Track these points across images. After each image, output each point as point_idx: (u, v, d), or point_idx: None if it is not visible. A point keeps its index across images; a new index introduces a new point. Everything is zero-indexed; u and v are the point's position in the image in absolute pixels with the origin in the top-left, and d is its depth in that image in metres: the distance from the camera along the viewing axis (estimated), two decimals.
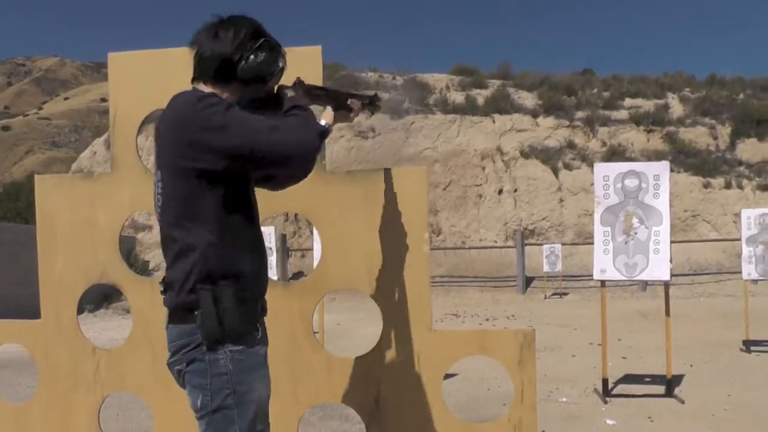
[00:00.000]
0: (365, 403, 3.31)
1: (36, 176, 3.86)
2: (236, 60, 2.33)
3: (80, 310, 3.75)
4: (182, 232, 2.28)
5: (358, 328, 12.40)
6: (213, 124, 2.21)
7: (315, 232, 8.73)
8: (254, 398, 2.29)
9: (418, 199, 3.27)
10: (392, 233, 3.25)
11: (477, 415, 6.19)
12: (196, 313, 2.25)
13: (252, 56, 2.34)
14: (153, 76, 3.50)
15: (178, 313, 2.31)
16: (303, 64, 3.23)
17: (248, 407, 2.27)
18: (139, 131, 3.67)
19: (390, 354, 3.26)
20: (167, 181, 2.31)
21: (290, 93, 2.49)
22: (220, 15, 2.40)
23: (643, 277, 7.11)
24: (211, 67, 2.35)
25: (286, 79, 2.51)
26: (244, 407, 2.26)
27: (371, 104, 2.82)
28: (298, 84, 2.53)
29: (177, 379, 2.37)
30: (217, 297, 2.24)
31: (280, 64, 2.45)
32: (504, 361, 3.21)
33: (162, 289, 2.43)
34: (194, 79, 2.41)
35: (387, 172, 3.32)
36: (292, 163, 2.30)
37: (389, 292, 3.26)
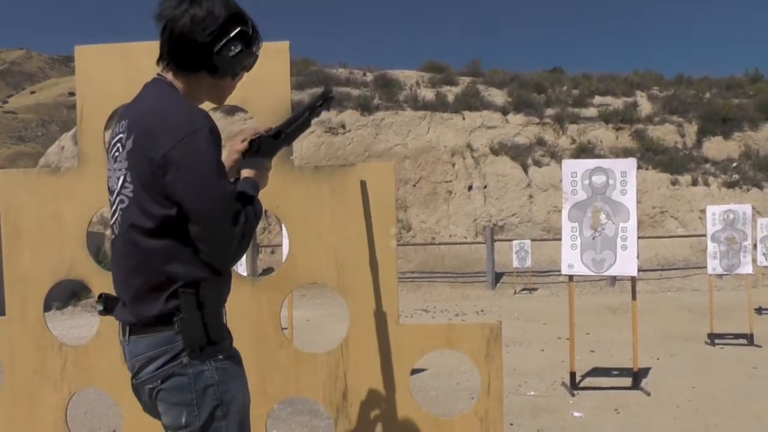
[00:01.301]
0: (333, 397, 3.33)
1: (0, 171, 3.81)
2: (209, 49, 2.09)
3: (48, 308, 3.72)
4: (147, 238, 2.08)
5: (327, 324, 12.40)
6: (189, 163, 1.99)
7: (284, 228, 8.72)
8: (239, 406, 2.16)
9: (385, 195, 3.29)
10: (359, 228, 3.27)
11: (446, 409, 6.24)
12: (175, 319, 2.05)
13: (232, 46, 2.11)
14: (120, 70, 3.48)
15: (147, 322, 2.08)
16: (271, 59, 3.24)
17: (235, 416, 2.14)
18: (106, 126, 3.64)
19: (358, 348, 3.28)
20: (137, 190, 2.08)
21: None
22: None
23: (611, 272, 7.21)
24: (182, 53, 2.11)
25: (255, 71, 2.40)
26: (231, 417, 2.13)
27: (324, 101, 2.65)
28: (256, 143, 2.33)
29: (147, 398, 2.16)
30: (201, 300, 2.06)
31: (256, 54, 2.24)
32: (471, 354, 3.24)
33: (102, 307, 2.24)
34: (160, 61, 2.18)
35: (354, 168, 3.34)
36: (211, 252, 2.06)
37: (357, 287, 3.28)
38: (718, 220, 9.87)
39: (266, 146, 2.37)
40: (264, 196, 3.31)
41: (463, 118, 25.49)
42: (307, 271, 3.36)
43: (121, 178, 2.12)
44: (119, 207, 2.14)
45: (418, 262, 21.35)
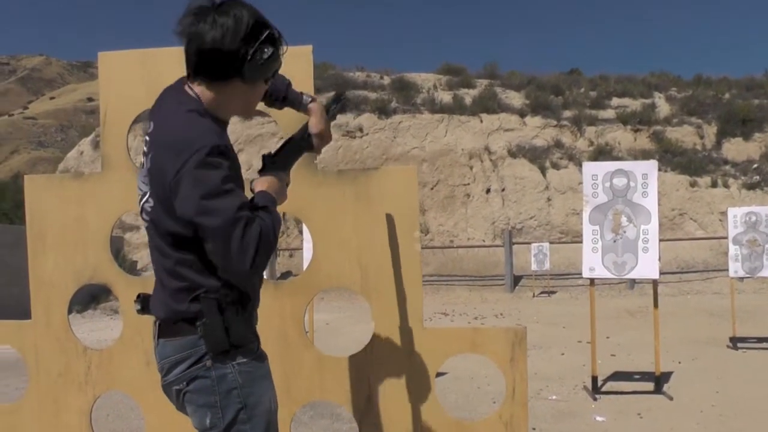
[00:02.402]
0: (357, 401, 3.32)
1: (26, 176, 3.83)
2: (242, 55, 2.07)
3: (68, 311, 3.73)
4: (171, 249, 2.15)
5: (347, 327, 12.41)
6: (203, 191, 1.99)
7: (304, 231, 8.73)
8: (264, 410, 2.18)
9: (408, 198, 3.29)
10: (383, 232, 3.26)
11: (467, 413, 6.22)
12: (198, 323, 2.11)
13: (260, 53, 2.09)
14: (143, 75, 3.49)
15: (172, 326, 2.16)
16: (293, 63, 3.24)
17: (260, 420, 2.16)
18: (129, 130, 3.66)
19: (382, 352, 3.27)
20: (156, 207, 2.15)
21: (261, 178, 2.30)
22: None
23: (632, 275, 7.16)
24: (214, 64, 2.10)
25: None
26: (256, 420, 2.15)
27: (337, 104, 2.61)
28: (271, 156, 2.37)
29: (175, 399, 2.22)
30: (222, 306, 2.11)
31: (282, 58, 2.22)
32: (496, 358, 3.22)
33: (139, 307, 2.32)
34: (189, 76, 2.17)
35: (377, 172, 3.33)
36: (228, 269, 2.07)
37: (381, 290, 3.27)
38: (740, 222, 9.78)
39: (280, 157, 2.39)
40: (288, 200, 3.30)
41: (481, 121, 25.44)
42: (331, 275, 3.36)
43: (147, 193, 2.20)
44: (147, 216, 2.23)
45: (437, 265, 21.31)
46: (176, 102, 2.16)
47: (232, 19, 2.06)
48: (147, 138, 2.20)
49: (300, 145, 2.48)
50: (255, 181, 2.28)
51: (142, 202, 2.24)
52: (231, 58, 2.08)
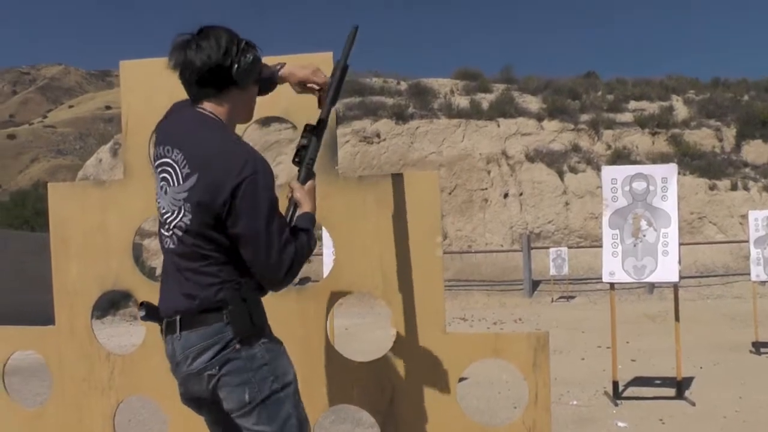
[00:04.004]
0: (380, 405, 3.32)
1: (49, 184, 3.86)
2: (228, 65, 2.38)
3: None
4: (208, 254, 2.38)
5: (366, 333, 12.40)
6: (255, 209, 2.30)
7: (324, 237, 8.73)
8: (291, 379, 2.46)
9: (430, 204, 3.29)
10: (405, 237, 3.27)
11: (488, 418, 6.20)
12: (224, 311, 2.34)
13: (242, 58, 2.40)
14: (165, 83, 3.50)
15: (197, 316, 2.37)
16: None
17: (289, 388, 2.44)
18: (151, 138, 3.69)
19: (404, 357, 3.28)
20: (195, 222, 2.36)
21: (297, 194, 2.54)
22: (187, 32, 2.43)
23: (652, 279, 7.12)
24: (209, 77, 2.39)
25: None
26: (287, 389, 2.43)
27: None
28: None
29: (205, 385, 2.40)
30: (244, 294, 2.37)
31: (260, 62, 2.53)
32: (518, 363, 3.22)
33: (144, 313, 2.51)
34: (196, 99, 2.46)
35: (399, 177, 3.34)
36: (264, 277, 2.39)
37: (403, 295, 3.27)
38: (761, 225, 9.70)
39: (308, 159, 2.64)
40: None
41: (498, 126, 25.39)
42: (353, 280, 3.36)
43: (181, 208, 2.39)
44: (178, 228, 2.40)
45: (455, 270, 21.27)
46: (202, 125, 2.43)
47: (212, 40, 2.39)
48: (174, 153, 2.41)
49: (317, 135, 2.69)
50: (296, 192, 2.55)
51: (172, 219, 2.41)
52: (221, 70, 2.39)
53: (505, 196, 23.52)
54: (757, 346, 9.80)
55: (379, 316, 13.88)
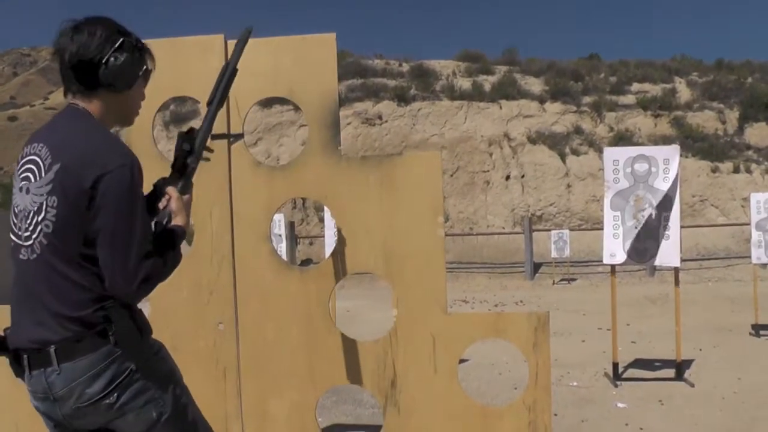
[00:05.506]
0: (382, 385, 3.35)
1: None
2: (96, 62, 2.19)
3: None
4: (67, 264, 2.14)
5: (367, 314, 12.43)
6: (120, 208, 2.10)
7: (326, 219, 8.75)
8: (180, 375, 2.37)
9: (432, 184, 3.31)
10: (407, 218, 3.29)
11: (488, 399, 6.25)
12: (110, 334, 2.12)
13: (112, 58, 2.20)
14: (169, 63, 3.51)
15: (78, 345, 2.12)
16: (317, 50, 3.26)
17: (181, 382, 2.36)
18: (154, 119, 3.70)
19: (406, 337, 3.30)
20: (60, 217, 2.14)
21: (167, 202, 2.34)
22: (76, 18, 2.26)
23: (654, 262, 7.12)
24: (73, 73, 2.22)
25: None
26: (181, 385, 2.34)
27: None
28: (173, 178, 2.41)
29: (102, 414, 2.16)
30: (127, 305, 2.17)
31: (148, 66, 2.34)
32: (519, 343, 3.24)
33: (12, 359, 2.19)
34: (66, 91, 2.29)
35: (401, 158, 3.35)
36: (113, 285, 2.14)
37: (405, 275, 3.29)
38: (763, 207, 9.70)
39: (195, 156, 2.45)
40: (312, 186, 3.33)
41: (500, 108, 25.32)
42: (355, 261, 3.38)
43: (44, 203, 2.15)
44: (42, 230, 2.16)
45: (456, 252, 21.30)
46: (71, 117, 2.25)
47: (85, 33, 2.20)
48: (40, 149, 2.20)
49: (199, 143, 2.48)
50: (173, 201, 2.33)
51: (33, 221, 2.17)
52: (89, 66, 2.20)
53: (507, 178, 23.51)
54: (757, 329, 9.83)
55: (381, 298, 13.93)
